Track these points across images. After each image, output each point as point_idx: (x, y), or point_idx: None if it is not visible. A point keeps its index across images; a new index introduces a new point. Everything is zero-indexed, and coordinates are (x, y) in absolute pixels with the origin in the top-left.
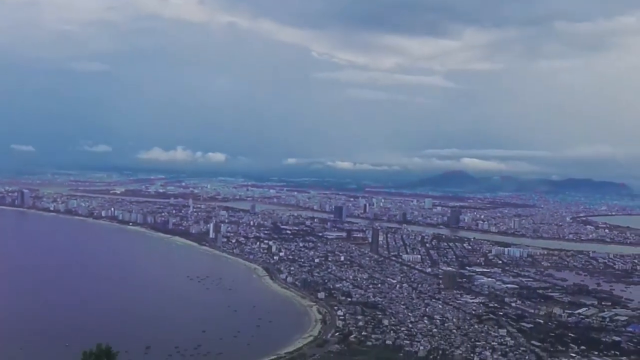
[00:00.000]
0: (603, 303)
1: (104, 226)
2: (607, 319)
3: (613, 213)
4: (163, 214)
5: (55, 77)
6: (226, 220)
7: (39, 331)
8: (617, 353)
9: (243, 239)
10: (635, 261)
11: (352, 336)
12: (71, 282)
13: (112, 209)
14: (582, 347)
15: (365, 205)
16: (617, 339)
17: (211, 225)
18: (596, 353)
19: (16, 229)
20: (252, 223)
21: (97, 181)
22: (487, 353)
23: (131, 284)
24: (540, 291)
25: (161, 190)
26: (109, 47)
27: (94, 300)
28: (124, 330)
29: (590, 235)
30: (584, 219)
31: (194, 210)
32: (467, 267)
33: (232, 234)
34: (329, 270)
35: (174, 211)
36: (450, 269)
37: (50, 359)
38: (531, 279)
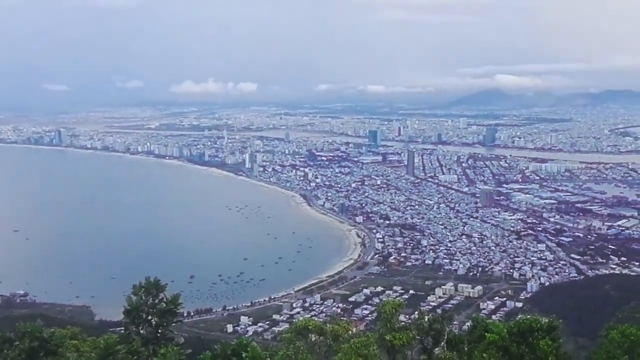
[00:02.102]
0: None
1: (141, 161)
2: None
3: None
4: (198, 146)
5: (82, 14)
6: (261, 150)
7: (87, 264)
8: None
9: (279, 167)
10: None
11: (392, 257)
12: (113, 216)
13: (148, 143)
14: (623, 259)
15: (399, 128)
16: None
17: (247, 155)
18: (637, 264)
19: (58, 168)
20: (287, 151)
21: (131, 117)
22: (527, 268)
23: (172, 217)
24: (579, 205)
25: (195, 123)
26: None
27: (138, 233)
28: (167, 260)
29: (630, 147)
30: (622, 130)
31: (229, 141)
32: (504, 185)
33: (267, 163)
34: (366, 194)
35: (208, 143)
36: (487, 187)
37: (99, 292)
38: (569, 193)
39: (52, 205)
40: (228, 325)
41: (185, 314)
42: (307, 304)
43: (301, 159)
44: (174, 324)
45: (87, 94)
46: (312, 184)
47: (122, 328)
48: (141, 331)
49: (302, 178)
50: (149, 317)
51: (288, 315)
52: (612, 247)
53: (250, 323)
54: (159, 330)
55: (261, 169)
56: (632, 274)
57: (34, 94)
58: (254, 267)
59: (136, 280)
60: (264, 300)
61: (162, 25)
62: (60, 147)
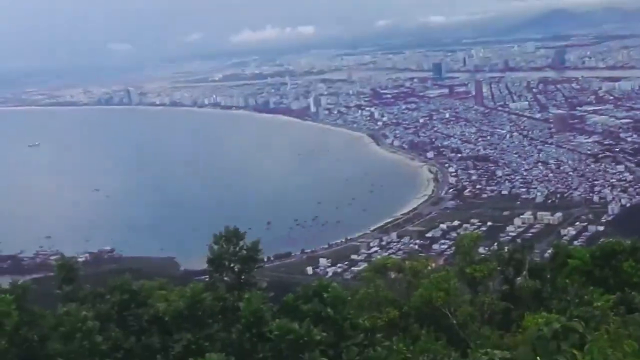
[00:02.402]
0: None
1: (209, 113)
2: None
3: None
4: (262, 94)
5: None
6: (325, 93)
7: (168, 218)
8: None
9: (344, 108)
10: None
11: (467, 191)
12: (188, 169)
13: (214, 96)
14: None
15: (464, 58)
16: None
17: (311, 100)
18: None
19: (130, 126)
20: (351, 92)
21: (195, 71)
22: (607, 191)
23: (244, 166)
24: None
25: (257, 72)
26: None
27: (213, 184)
28: (244, 209)
29: None
30: None
31: (292, 86)
32: (578, 108)
33: (332, 106)
34: (435, 128)
35: (272, 90)
36: (560, 111)
37: (182, 244)
38: None
39: (128, 162)
40: (308, 268)
41: (265, 259)
42: (383, 243)
43: (366, 99)
44: (255, 270)
45: (151, 51)
46: (379, 123)
47: (207, 277)
48: (225, 278)
49: (368, 118)
50: (232, 265)
51: (366, 255)
52: None
53: (329, 264)
54: (242, 276)
55: (326, 112)
56: None
57: (100, 55)
58: (328, 209)
59: (216, 230)
60: (341, 241)
61: None
62: (131, 105)
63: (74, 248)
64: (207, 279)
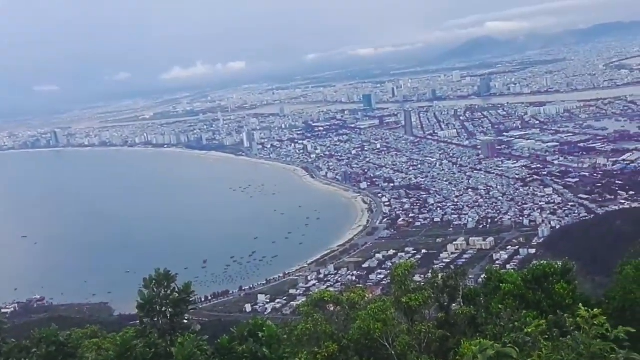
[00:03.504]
0: None
1: (140, 153)
2: None
3: None
4: (195, 131)
5: (57, 12)
6: (258, 128)
7: (100, 262)
8: None
9: (277, 142)
10: None
11: (400, 220)
12: (119, 210)
13: (145, 134)
14: (631, 192)
15: (393, 89)
16: None
17: (244, 135)
18: None
19: (57, 169)
20: (283, 126)
21: (124, 109)
22: (536, 214)
23: (177, 204)
24: (582, 144)
25: (189, 108)
26: None
27: (146, 225)
28: (179, 248)
29: (626, 80)
30: (617, 63)
31: (225, 122)
32: (505, 133)
33: (266, 140)
34: (367, 159)
35: (205, 127)
36: (487, 138)
37: (115, 288)
38: (571, 134)
39: (57, 206)
40: (246, 305)
41: (202, 299)
42: (321, 276)
43: (299, 132)
44: (190, 312)
45: (78, 91)
46: (312, 156)
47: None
48: (158, 322)
49: (301, 151)
50: (163, 309)
51: (304, 289)
52: (619, 182)
53: (268, 300)
54: (175, 320)
55: (260, 146)
56: None
57: (25, 98)
58: (265, 245)
59: (151, 271)
60: (279, 276)
61: (143, 13)
62: (58, 147)
63: (2, 298)
64: (138, 325)
